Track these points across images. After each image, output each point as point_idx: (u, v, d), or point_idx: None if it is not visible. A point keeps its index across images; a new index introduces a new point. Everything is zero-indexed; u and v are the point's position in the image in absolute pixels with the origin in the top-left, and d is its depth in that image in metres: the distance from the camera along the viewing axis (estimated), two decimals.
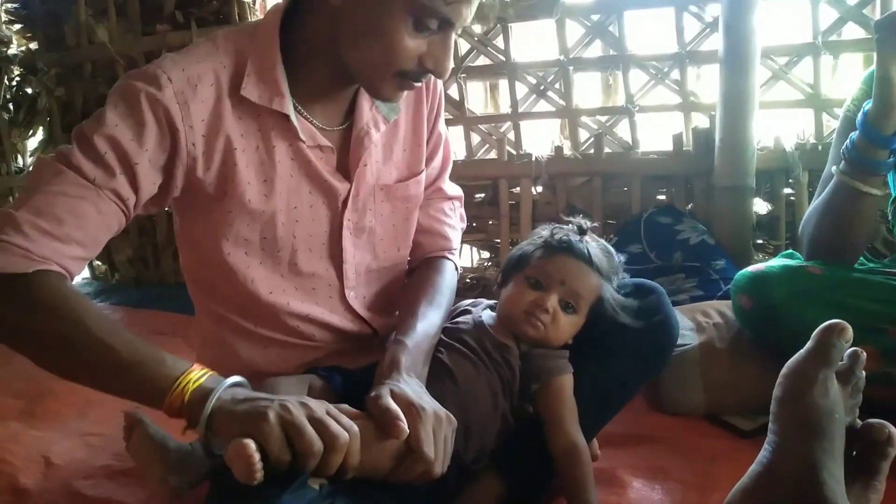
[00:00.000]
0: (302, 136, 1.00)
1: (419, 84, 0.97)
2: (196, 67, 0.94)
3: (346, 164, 1.07)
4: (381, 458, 0.86)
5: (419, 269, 1.23)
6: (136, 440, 0.90)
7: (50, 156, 0.91)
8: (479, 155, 2.31)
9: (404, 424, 0.85)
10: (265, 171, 1.00)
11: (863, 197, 1.26)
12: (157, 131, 0.91)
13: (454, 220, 1.29)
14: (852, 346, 0.85)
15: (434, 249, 1.24)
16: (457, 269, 1.26)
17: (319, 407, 0.81)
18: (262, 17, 2.23)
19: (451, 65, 0.94)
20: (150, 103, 0.90)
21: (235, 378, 0.85)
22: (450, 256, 1.25)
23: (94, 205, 0.89)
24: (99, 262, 2.80)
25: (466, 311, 1.17)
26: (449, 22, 0.90)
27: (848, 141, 1.26)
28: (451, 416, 0.92)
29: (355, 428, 0.82)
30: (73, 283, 0.91)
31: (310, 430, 0.77)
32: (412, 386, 0.93)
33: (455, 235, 1.28)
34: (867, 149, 1.23)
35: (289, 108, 0.98)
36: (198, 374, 0.84)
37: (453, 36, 0.93)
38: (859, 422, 0.86)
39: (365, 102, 1.07)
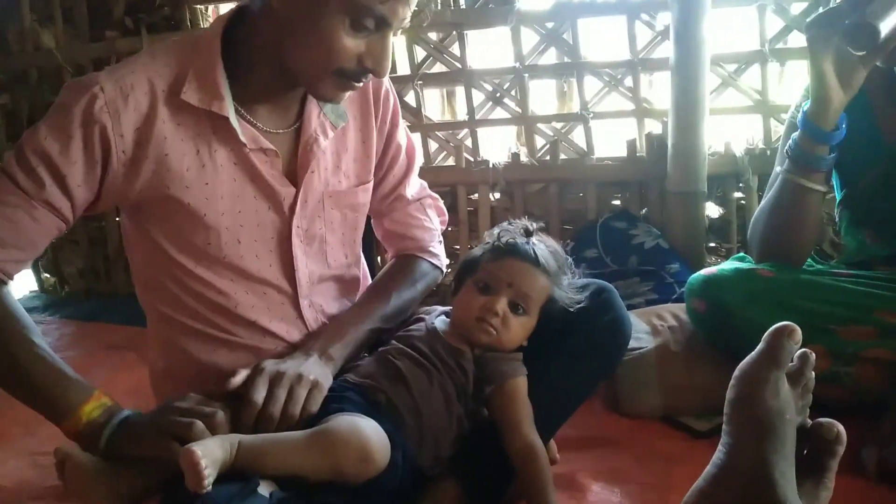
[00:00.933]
0: (243, 138, 1.01)
1: (359, 84, 0.99)
2: (130, 77, 0.97)
3: (294, 169, 1.08)
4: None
5: (386, 266, 1.28)
6: (70, 471, 0.92)
7: None
8: (436, 162, 2.31)
9: (235, 378, 0.98)
10: (206, 175, 1.01)
11: (807, 193, 1.30)
12: (85, 143, 0.95)
13: (423, 220, 1.29)
14: (802, 346, 0.88)
15: (404, 249, 1.28)
16: (433, 264, 1.28)
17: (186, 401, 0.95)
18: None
19: (390, 64, 0.97)
20: (82, 115, 0.94)
21: (128, 411, 0.96)
22: (419, 254, 1.27)
23: (27, 213, 0.95)
24: (48, 275, 2.72)
25: (420, 319, 1.16)
26: (385, 21, 0.92)
27: (790, 140, 1.30)
28: (306, 375, 0.99)
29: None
30: (12, 285, 1.01)
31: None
32: (288, 360, 1.02)
33: (426, 234, 1.28)
34: (809, 145, 1.27)
35: (228, 110, 0.99)
36: (94, 405, 0.94)
37: (391, 35, 0.95)
38: (809, 421, 0.88)
39: (313, 109, 1.08)
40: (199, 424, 0.90)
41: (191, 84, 0.98)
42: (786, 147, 1.32)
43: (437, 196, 1.34)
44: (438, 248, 1.30)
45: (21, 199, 0.94)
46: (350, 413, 0.93)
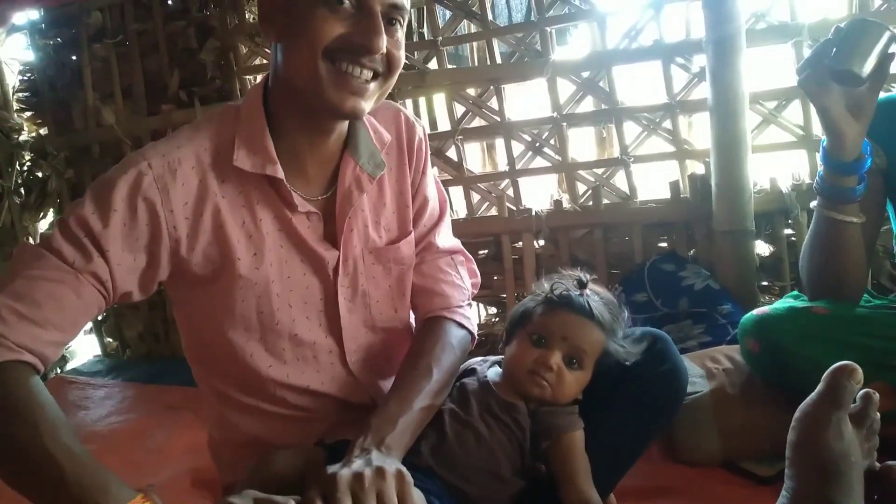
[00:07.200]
0: (295, 200, 1.01)
1: (359, 76, 0.94)
2: (176, 153, 0.97)
3: (333, 230, 1.08)
4: None
5: (415, 334, 1.21)
6: None
7: (33, 242, 0.92)
8: (479, 212, 2.34)
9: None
10: (254, 244, 1.02)
11: (842, 227, 1.28)
12: (129, 218, 0.93)
13: (453, 276, 1.22)
14: (865, 385, 0.85)
15: (431, 310, 1.19)
16: (463, 325, 1.18)
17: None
18: None
19: (383, 41, 0.93)
20: (128, 190, 0.93)
21: None
22: (447, 315, 1.18)
23: (73, 288, 0.90)
24: (110, 339, 2.82)
25: (473, 371, 1.16)
26: None
27: (817, 176, 1.30)
28: (387, 468, 0.87)
29: None
30: (50, 367, 0.92)
31: None
32: (354, 462, 0.89)
33: (455, 292, 1.20)
34: (834, 179, 1.27)
35: (281, 173, 0.99)
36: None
37: (377, 10, 0.92)
38: (878, 464, 0.85)
39: (348, 166, 1.07)
40: None
41: (240, 151, 0.98)
42: (814, 183, 1.31)
43: (470, 257, 1.28)
44: (469, 312, 1.22)
45: (67, 273, 0.90)
46: None
